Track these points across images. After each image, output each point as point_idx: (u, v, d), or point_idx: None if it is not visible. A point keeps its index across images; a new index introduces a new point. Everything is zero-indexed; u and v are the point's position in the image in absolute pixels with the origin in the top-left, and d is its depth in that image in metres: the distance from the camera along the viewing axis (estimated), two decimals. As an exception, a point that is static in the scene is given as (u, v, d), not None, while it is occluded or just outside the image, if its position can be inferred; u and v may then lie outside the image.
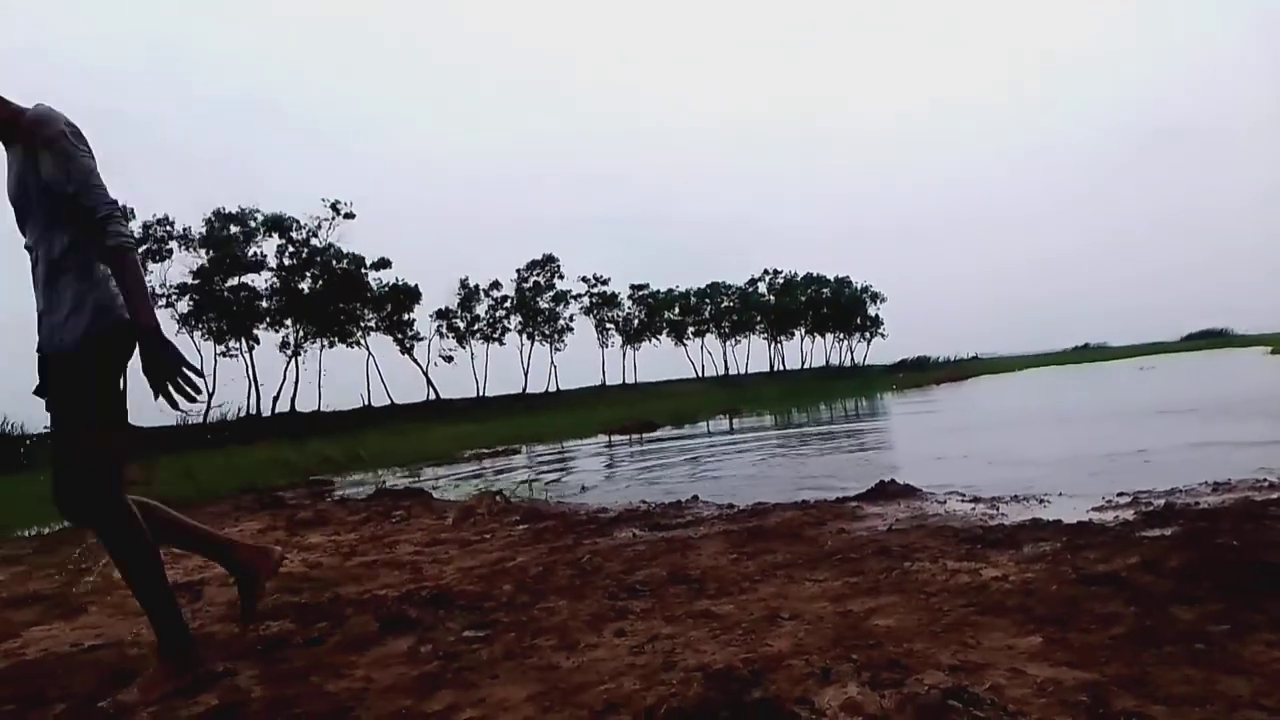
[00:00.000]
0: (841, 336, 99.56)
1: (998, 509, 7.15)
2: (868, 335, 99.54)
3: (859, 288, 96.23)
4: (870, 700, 2.86)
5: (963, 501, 7.62)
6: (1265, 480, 7.39)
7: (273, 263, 57.86)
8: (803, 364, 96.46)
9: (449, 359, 67.38)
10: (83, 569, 8.09)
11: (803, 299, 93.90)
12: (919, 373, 75.35)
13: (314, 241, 59.20)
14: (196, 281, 54.54)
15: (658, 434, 23.99)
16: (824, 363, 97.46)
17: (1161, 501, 6.71)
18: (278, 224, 57.83)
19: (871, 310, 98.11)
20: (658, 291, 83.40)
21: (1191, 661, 3.11)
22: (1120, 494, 7.18)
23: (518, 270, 71.90)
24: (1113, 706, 2.81)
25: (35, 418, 37.03)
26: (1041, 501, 7.33)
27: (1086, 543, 5.34)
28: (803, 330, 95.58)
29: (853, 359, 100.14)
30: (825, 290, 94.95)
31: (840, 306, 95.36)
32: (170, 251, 53.99)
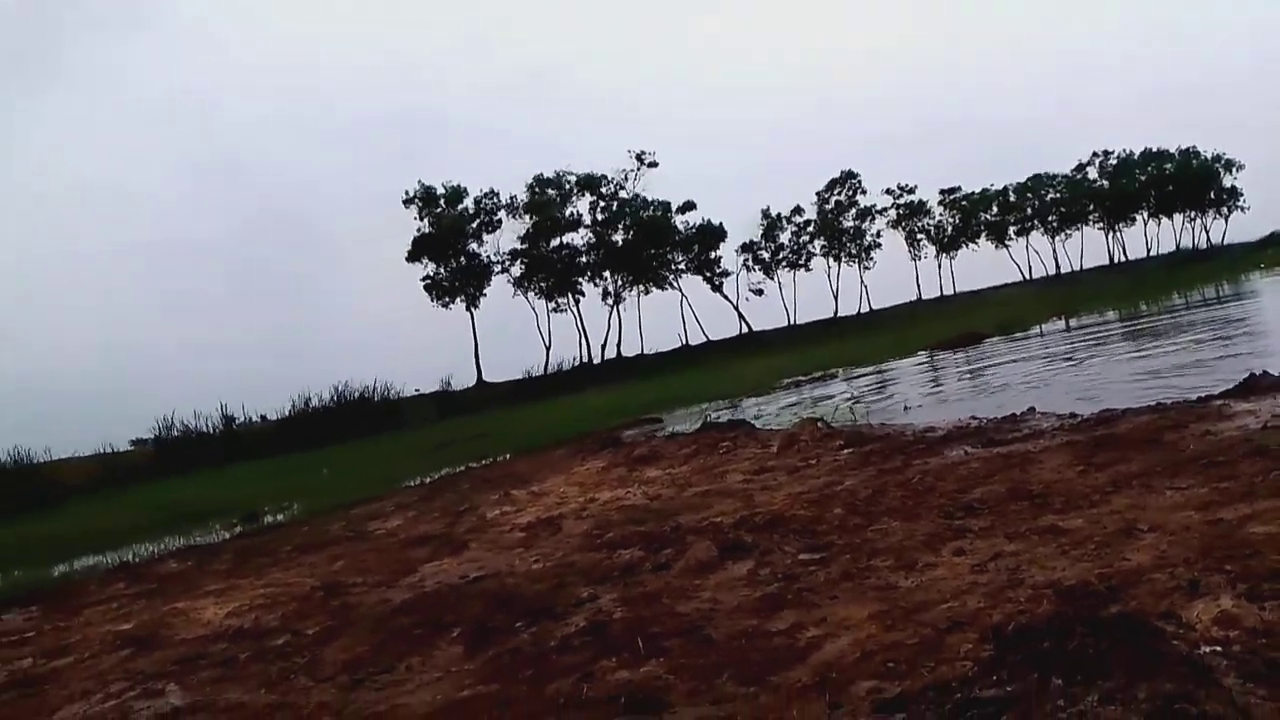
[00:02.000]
0: (1193, 216, 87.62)
1: None
2: (1225, 211, 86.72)
3: (1209, 157, 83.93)
4: (1248, 613, 2.60)
5: (1361, 389, 6.57)
6: None
7: (587, 220, 61.60)
8: (1148, 252, 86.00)
9: (759, 292, 68.11)
10: (461, 511, 9.25)
11: (1141, 179, 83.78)
12: (1294, 246, 65.00)
13: (622, 194, 62.17)
14: (524, 246, 59.33)
15: (984, 345, 22.74)
16: (1174, 248, 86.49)
17: None
18: (589, 182, 61.29)
19: (1227, 181, 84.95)
20: (971, 193, 78.38)
21: None
22: None
23: (817, 192, 70.73)
24: None
25: (409, 380, 42.34)
26: None
27: None
28: (1145, 215, 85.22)
29: (1208, 240, 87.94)
30: (1168, 166, 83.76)
31: (1188, 182, 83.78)
32: (500, 221, 59.12)
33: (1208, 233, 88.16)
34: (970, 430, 8.24)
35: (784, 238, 70.72)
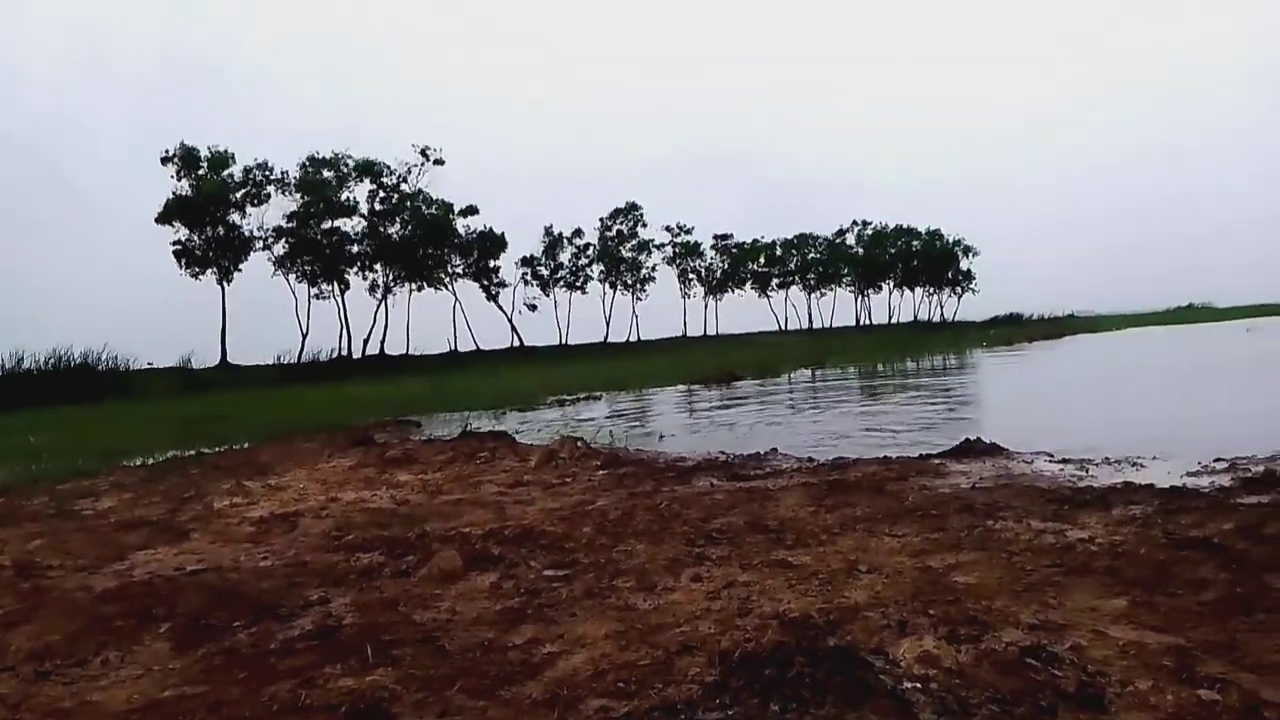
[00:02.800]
0: (931, 291, 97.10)
1: (1088, 470, 6.98)
2: (959, 290, 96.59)
3: (951, 241, 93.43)
4: (946, 654, 2.86)
5: (1051, 462, 7.46)
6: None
7: (364, 208, 59.15)
8: (890, 319, 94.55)
9: (533, 308, 68.20)
10: (186, 498, 8.54)
11: (892, 251, 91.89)
12: (1012, 329, 73.20)
13: (404, 187, 60.28)
14: (291, 225, 56.02)
15: (739, 385, 23.93)
16: (912, 318, 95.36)
17: (1261, 468, 6.46)
18: (369, 169, 58.90)
19: (964, 264, 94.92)
20: (742, 242, 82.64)
21: (1286, 631, 3.03)
22: (1218, 459, 6.92)
23: (600, 219, 72.00)
24: (1197, 671, 2.76)
25: (142, 352, 38.70)
26: (1134, 464, 7.13)
27: (1180, 507, 5.19)
28: (891, 284, 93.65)
29: (942, 314, 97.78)
30: (916, 243, 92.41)
31: (931, 260, 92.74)
32: (268, 196, 55.51)
33: (942, 308, 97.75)
34: (718, 463, 8.61)
35: (564, 257, 71.30)
